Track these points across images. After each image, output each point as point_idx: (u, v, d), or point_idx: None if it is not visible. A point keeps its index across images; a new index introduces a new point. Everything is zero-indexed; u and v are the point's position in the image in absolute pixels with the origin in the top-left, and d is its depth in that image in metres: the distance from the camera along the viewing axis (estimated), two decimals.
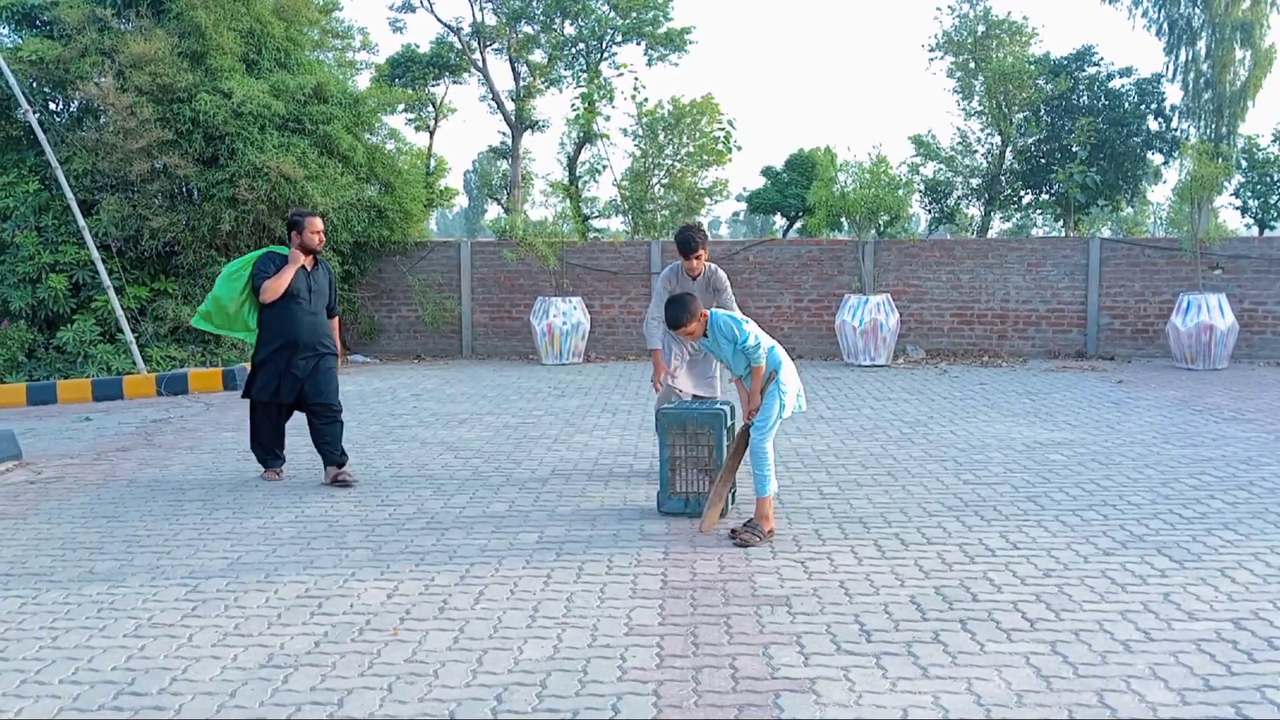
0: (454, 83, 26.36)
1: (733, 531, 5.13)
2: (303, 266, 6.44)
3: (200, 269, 12.20)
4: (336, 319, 6.77)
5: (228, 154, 11.79)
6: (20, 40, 12.00)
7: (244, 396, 6.66)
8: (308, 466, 7.01)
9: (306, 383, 6.43)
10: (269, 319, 6.39)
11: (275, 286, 6.28)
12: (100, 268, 11.14)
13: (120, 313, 11.16)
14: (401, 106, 22.03)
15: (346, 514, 5.75)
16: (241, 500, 6.11)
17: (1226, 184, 15.30)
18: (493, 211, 38.82)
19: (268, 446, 6.66)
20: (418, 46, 25.63)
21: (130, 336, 11.16)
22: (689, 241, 6.14)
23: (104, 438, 8.30)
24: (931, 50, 20.99)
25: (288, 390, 6.43)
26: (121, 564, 4.90)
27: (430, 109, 25.52)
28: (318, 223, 6.51)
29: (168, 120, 11.54)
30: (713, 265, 6.36)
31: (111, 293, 11.15)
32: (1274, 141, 15.57)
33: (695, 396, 6.35)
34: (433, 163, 21.95)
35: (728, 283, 6.37)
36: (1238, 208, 16.14)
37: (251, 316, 6.50)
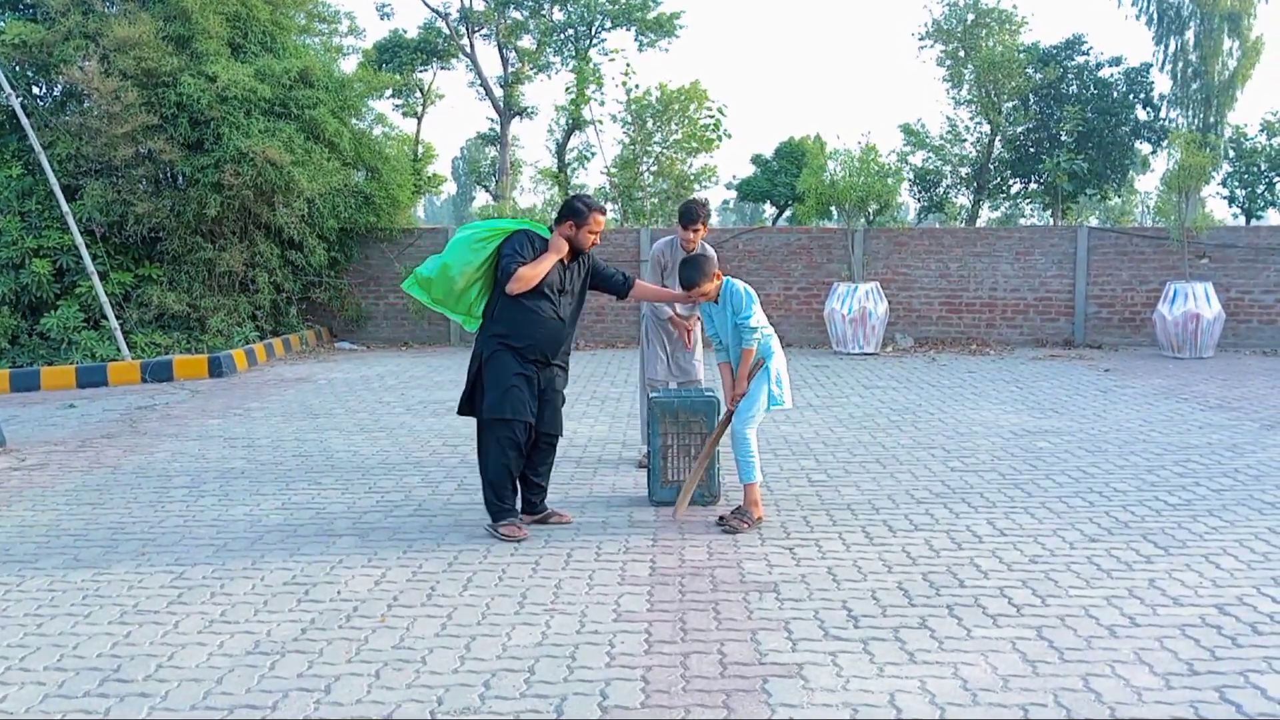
0: (442, 69, 26.16)
1: (721, 518, 5.13)
2: (560, 259, 5.08)
3: (185, 255, 12.11)
4: None
5: (213, 139, 11.68)
6: (3, 23, 11.85)
7: (470, 414, 5.17)
8: (294, 454, 6.98)
9: (544, 402, 5.12)
10: (507, 313, 4.98)
11: (531, 276, 4.90)
12: (84, 253, 11.05)
13: (104, 299, 11.08)
14: (389, 92, 21.88)
15: (333, 501, 5.73)
16: (227, 487, 6.08)
17: (1214, 173, 15.34)
18: (481, 199, 38.64)
19: (512, 486, 5.08)
20: (405, 32, 25.44)
21: (115, 323, 11.09)
22: (691, 212, 6.19)
23: (88, 425, 8.25)
24: (921, 38, 20.97)
25: (533, 404, 5.04)
26: (106, 551, 4.87)
27: (418, 95, 25.36)
28: (602, 220, 5.13)
29: (152, 105, 11.42)
30: (706, 245, 6.38)
31: (95, 279, 11.06)
32: (1261, 131, 15.62)
33: (680, 384, 6.38)
34: (420, 149, 21.84)
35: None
36: (1225, 197, 16.19)
37: (480, 302, 5.15)
